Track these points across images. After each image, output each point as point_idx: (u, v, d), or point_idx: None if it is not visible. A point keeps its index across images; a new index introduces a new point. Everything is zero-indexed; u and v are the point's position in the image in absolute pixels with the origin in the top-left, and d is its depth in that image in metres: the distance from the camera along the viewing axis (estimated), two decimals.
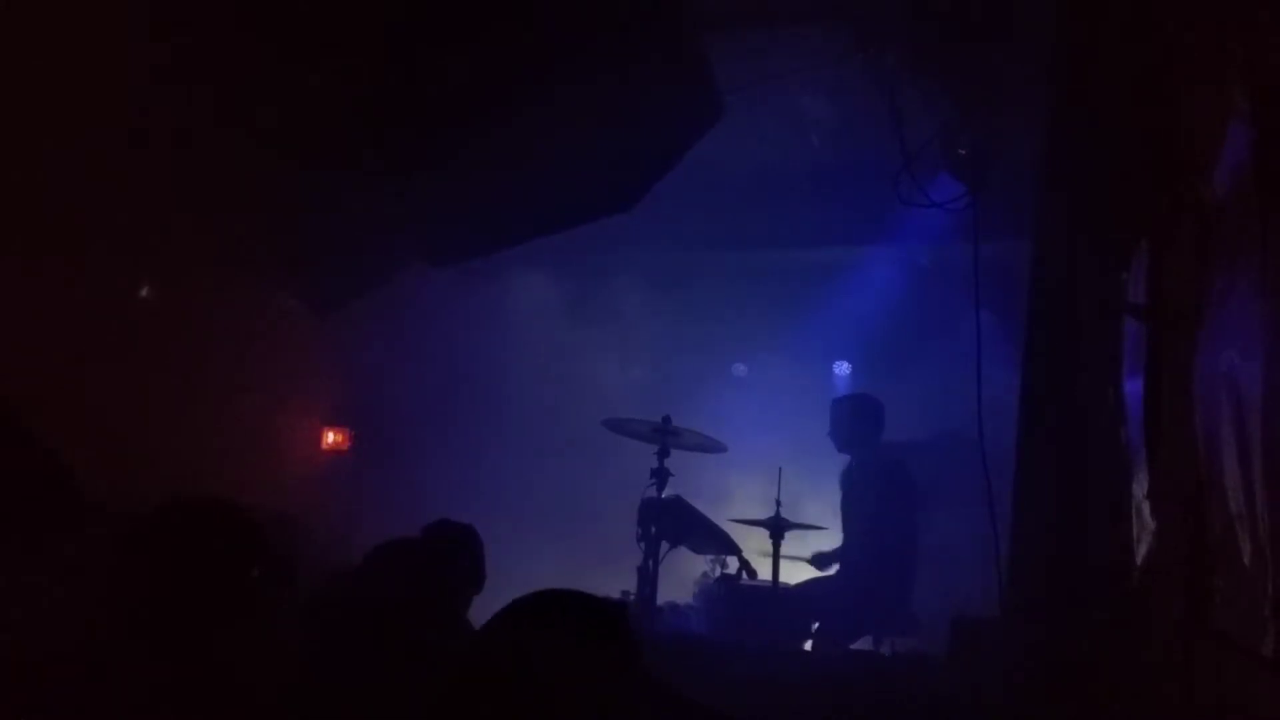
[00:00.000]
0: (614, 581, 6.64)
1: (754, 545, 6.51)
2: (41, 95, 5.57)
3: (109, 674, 2.54)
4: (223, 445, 7.07)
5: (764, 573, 6.39)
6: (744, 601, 6.38)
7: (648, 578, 6.25)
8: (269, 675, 2.82)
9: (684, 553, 6.62)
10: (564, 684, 2.25)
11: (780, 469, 6.39)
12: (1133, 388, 4.19)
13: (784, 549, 6.37)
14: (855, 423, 6.95)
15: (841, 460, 7.07)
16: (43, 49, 5.47)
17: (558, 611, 2.40)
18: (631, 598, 6.35)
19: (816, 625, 6.64)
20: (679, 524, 6.41)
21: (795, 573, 6.85)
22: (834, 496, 7.03)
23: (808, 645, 6.60)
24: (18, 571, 2.80)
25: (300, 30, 5.74)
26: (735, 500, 6.96)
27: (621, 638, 2.40)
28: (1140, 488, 4.07)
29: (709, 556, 6.69)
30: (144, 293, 7.18)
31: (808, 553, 6.89)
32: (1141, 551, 4.00)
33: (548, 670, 2.25)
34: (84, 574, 2.76)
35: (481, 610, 3.86)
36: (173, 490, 2.93)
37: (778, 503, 6.32)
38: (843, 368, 8.84)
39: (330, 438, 8.58)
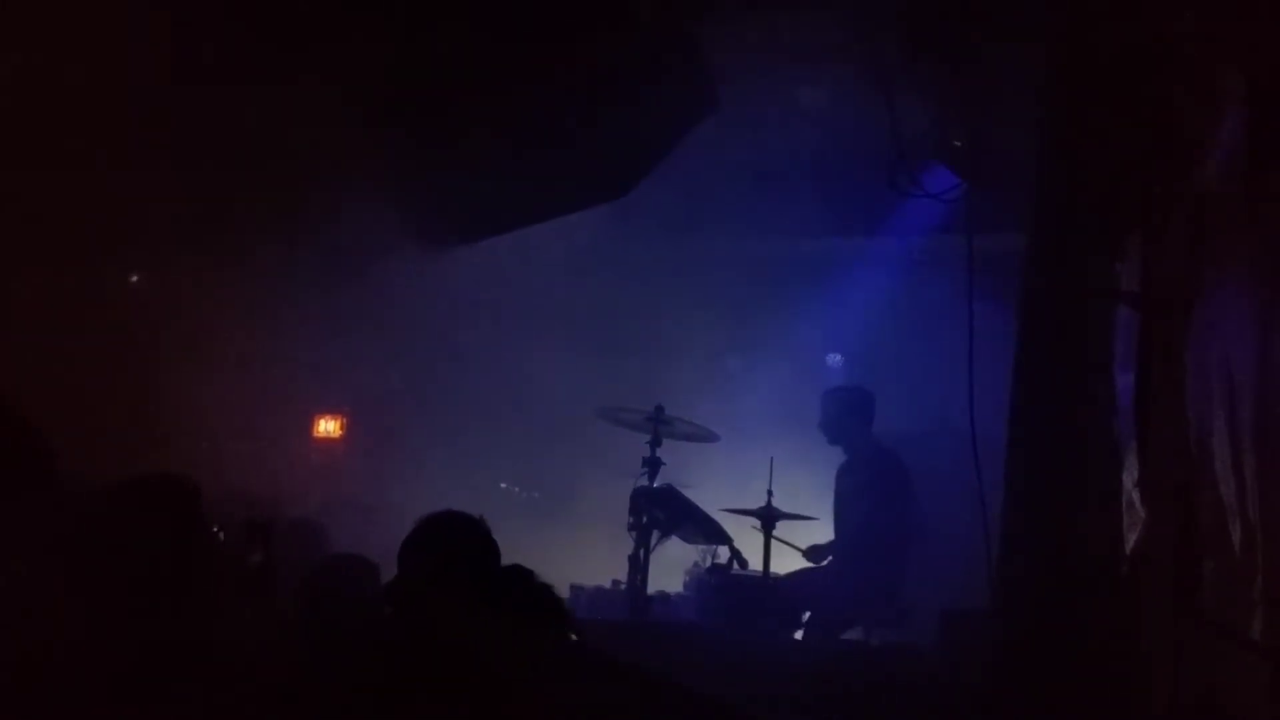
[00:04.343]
0: (605, 570, 6.64)
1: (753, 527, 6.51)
2: (41, 94, 5.58)
3: (72, 653, 2.52)
4: (214, 433, 7.06)
5: (755, 562, 6.39)
6: (735, 591, 6.38)
7: (639, 566, 6.25)
8: (250, 660, 2.80)
9: (675, 542, 6.61)
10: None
11: (771, 459, 6.38)
12: (1124, 378, 4.20)
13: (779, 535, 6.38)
14: (844, 415, 6.93)
15: (834, 451, 7.06)
16: (43, 48, 5.47)
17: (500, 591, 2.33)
18: (622, 586, 6.35)
19: (807, 615, 6.65)
20: (670, 513, 6.40)
21: (788, 563, 6.85)
22: (826, 486, 7.02)
23: (798, 635, 6.60)
24: None
25: (298, 22, 5.75)
26: (727, 490, 6.94)
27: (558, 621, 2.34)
28: (1131, 477, 4.07)
29: (700, 546, 6.69)
30: (134, 279, 7.17)
31: (803, 541, 6.87)
32: (1131, 541, 4.01)
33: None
34: (50, 550, 2.74)
35: None
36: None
37: (769, 493, 6.31)
38: (835, 359, 8.81)
39: (323, 425, 8.55)
